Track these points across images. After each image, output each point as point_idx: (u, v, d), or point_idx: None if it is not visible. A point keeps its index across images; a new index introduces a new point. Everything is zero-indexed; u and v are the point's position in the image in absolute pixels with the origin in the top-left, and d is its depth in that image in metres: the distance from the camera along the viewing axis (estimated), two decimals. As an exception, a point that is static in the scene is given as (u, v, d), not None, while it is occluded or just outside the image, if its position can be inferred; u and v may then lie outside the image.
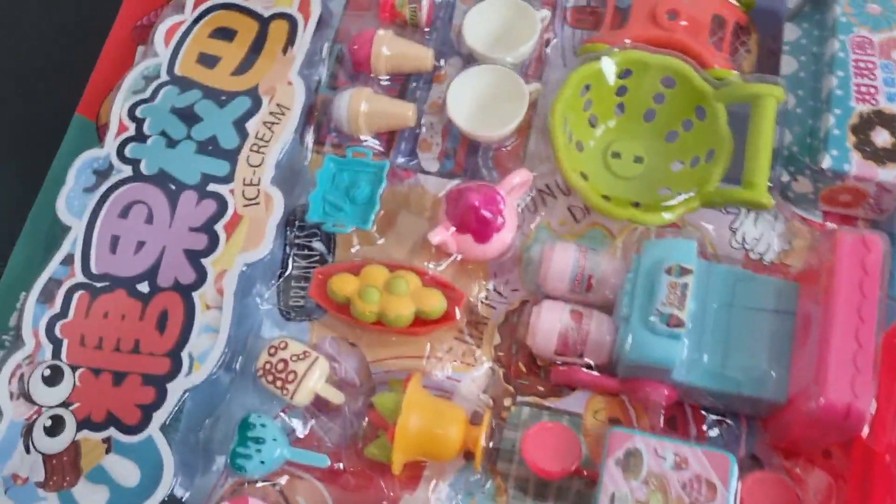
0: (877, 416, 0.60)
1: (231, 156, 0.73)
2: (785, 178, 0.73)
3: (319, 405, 0.68)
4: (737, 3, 0.80)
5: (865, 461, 0.62)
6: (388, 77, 0.79)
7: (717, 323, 0.66)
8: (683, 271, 0.64)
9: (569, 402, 0.69)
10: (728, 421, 0.69)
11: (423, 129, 0.78)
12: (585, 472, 0.65)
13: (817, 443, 0.64)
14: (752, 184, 0.69)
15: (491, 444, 0.67)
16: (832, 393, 0.58)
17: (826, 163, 0.70)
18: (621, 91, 0.76)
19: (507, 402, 0.70)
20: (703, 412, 0.69)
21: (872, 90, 0.72)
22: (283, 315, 0.72)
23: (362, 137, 0.76)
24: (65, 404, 0.67)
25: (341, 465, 0.67)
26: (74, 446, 0.65)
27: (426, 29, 0.81)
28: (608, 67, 0.74)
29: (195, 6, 0.81)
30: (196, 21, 0.80)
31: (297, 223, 0.74)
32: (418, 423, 0.63)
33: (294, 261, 0.74)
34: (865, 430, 0.60)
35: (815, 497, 0.64)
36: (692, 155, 0.75)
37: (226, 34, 0.79)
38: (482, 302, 0.72)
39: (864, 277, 0.61)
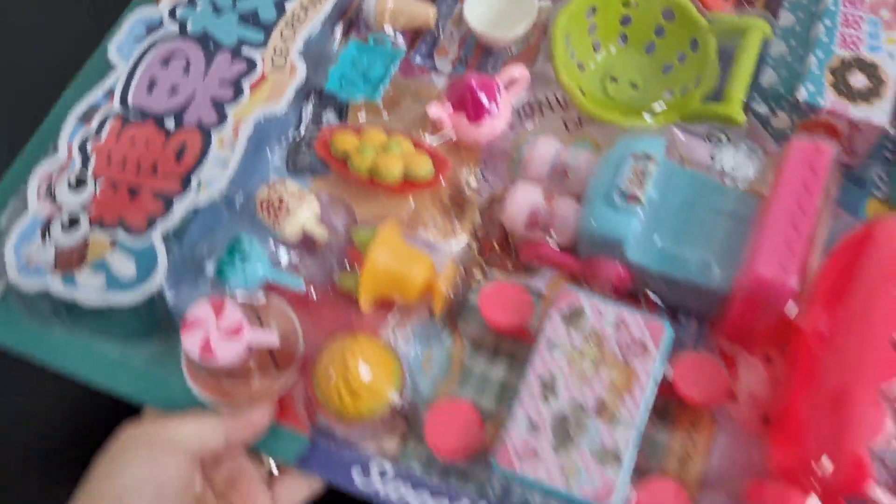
0: (811, 303, 0.64)
1: (268, 28, 0.82)
2: (765, 110, 0.78)
3: (306, 243, 0.75)
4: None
5: (796, 350, 0.66)
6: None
7: (675, 215, 0.70)
8: (648, 158, 0.70)
9: (533, 282, 0.75)
10: (681, 321, 0.73)
11: (442, 38, 0.86)
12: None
13: (754, 328, 0.67)
14: (729, 98, 0.74)
15: (453, 296, 0.73)
16: (762, 266, 0.62)
17: (802, 95, 0.75)
18: (626, 21, 0.83)
19: (477, 274, 0.76)
20: (657, 309, 0.73)
21: (857, 40, 0.78)
22: (288, 171, 0.80)
23: (388, 32, 0.85)
24: (83, 208, 0.75)
25: (314, 297, 0.73)
26: (84, 243, 0.73)
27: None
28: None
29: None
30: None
31: (314, 98, 0.82)
32: (386, 259, 0.69)
33: (307, 128, 0.81)
34: (792, 309, 0.64)
35: (746, 383, 0.68)
36: (682, 85, 0.81)
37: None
38: (468, 185, 0.79)
39: (810, 176, 0.66)
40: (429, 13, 0.84)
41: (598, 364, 0.64)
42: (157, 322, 0.72)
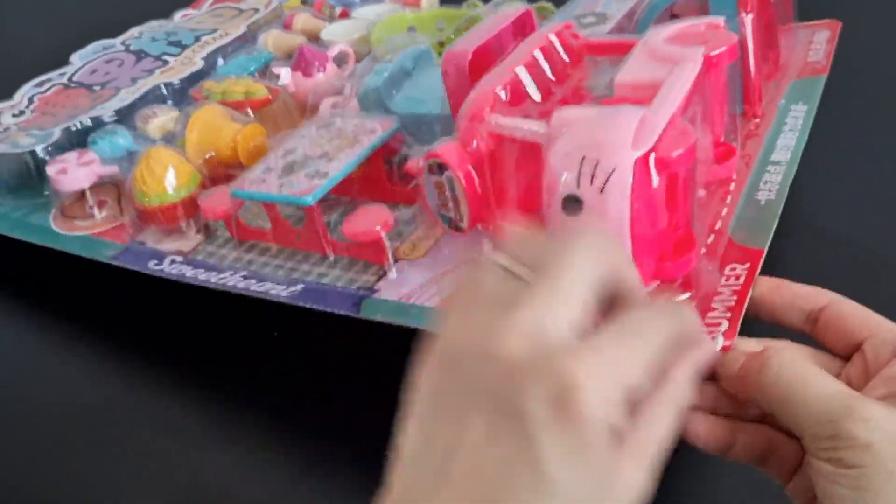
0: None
1: (185, 48, 1.15)
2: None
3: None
4: None
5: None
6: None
7: (422, 83, 0.90)
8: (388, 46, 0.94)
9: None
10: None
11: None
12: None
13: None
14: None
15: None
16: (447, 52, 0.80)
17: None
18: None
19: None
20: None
21: (595, 4, 1.04)
22: (174, 120, 1.07)
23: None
24: (16, 125, 1.03)
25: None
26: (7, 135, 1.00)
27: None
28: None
29: None
30: None
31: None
32: (204, 121, 0.92)
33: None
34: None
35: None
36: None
37: None
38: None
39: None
40: (297, 41, 1.16)
41: (333, 139, 0.83)
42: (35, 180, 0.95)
